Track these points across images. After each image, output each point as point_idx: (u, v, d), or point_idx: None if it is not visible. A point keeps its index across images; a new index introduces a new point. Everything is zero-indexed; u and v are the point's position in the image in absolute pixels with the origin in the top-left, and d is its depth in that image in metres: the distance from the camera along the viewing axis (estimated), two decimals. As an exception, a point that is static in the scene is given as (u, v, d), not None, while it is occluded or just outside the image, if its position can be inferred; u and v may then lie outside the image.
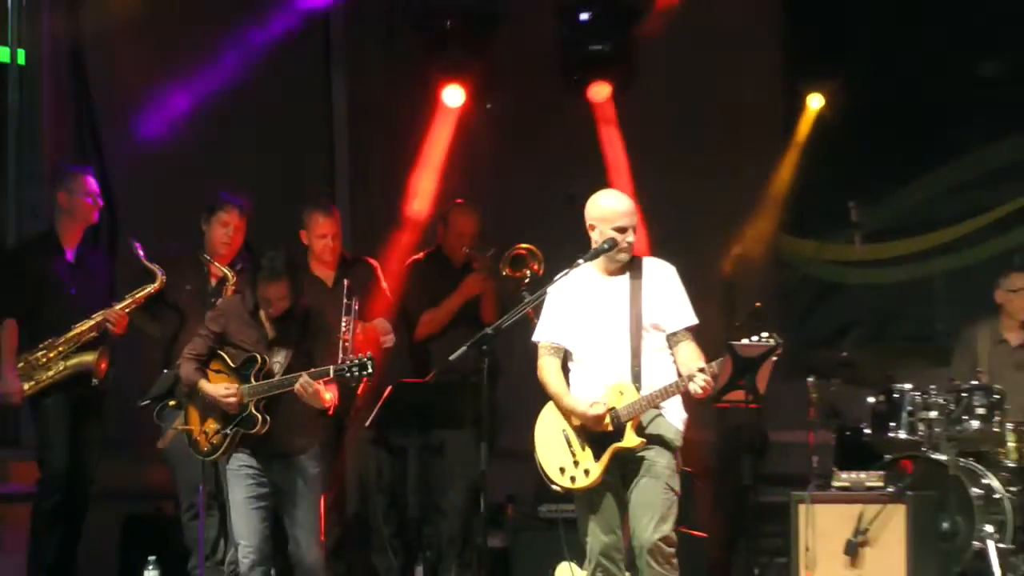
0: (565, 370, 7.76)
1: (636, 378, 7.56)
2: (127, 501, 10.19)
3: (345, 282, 9.49)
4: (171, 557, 9.36)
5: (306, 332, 8.41)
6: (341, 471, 9.94)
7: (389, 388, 9.58)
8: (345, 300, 9.34)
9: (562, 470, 7.65)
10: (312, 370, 8.23)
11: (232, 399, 8.26)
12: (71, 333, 9.31)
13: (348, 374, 8.26)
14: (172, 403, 8.95)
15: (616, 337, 7.62)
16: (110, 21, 10.09)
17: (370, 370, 8.23)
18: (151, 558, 9.07)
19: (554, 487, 7.72)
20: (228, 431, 8.32)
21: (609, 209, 7.69)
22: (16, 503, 9.71)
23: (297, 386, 8.18)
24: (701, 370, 7.41)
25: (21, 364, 9.29)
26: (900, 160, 11.35)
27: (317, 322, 8.55)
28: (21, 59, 10.15)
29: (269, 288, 8.27)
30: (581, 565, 7.94)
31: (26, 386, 9.30)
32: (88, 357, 9.33)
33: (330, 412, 8.74)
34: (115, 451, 9.73)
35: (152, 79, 10.30)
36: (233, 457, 8.34)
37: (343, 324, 9.27)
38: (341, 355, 8.95)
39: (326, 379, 8.27)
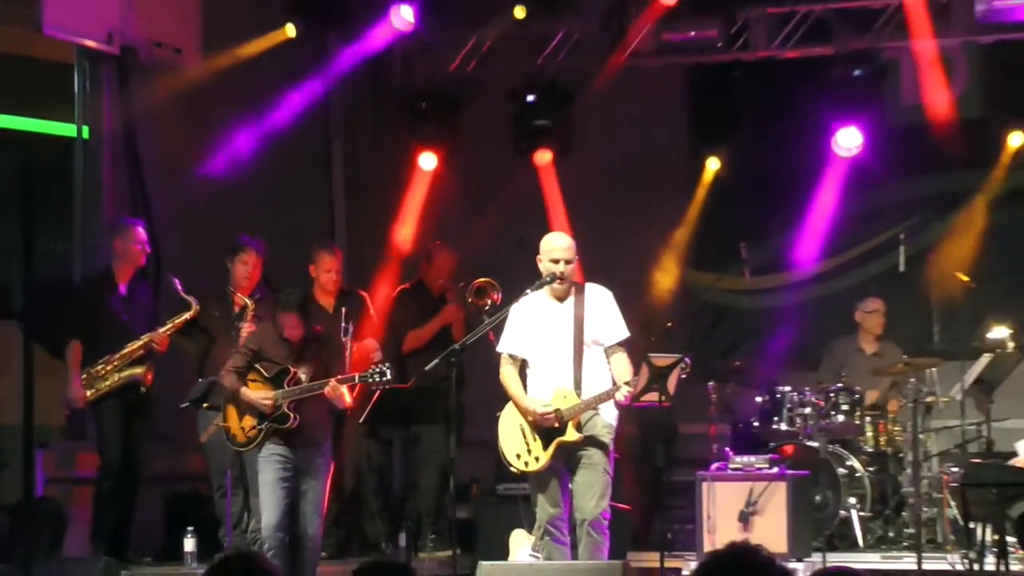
0: (523, 375, 7.80)
1: (577, 385, 7.63)
2: (170, 483, 10.16)
3: (343, 310, 9.52)
4: (205, 527, 9.36)
5: (323, 350, 8.45)
6: (340, 457, 9.89)
7: (378, 392, 9.59)
8: (343, 324, 9.36)
9: (518, 456, 7.74)
10: (340, 376, 8.24)
11: (267, 402, 8.27)
12: (124, 351, 9.31)
13: (371, 380, 8.31)
14: (205, 405, 8.95)
15: (562, 351, 7.69)
16: (156, 103, 10.06)
17: (388, 377, 8.25)
18: (189, 528, 9.13)
19: (512, 470, 7.81)
20: (263, 427, 8.33)
21: (550, 244, 7.81)
22: (82, 485, 9.69)
23: (327, 388, 8.19)
24: (627, 383, 7.51)
25: (84, 376, 9.31)
26: (779, 209, 11.40)
27: (331, 342, 8.61)
28: (85, 134, 10.05)
29: (282, 317, 8.31)
30: (531, 532, 8.01)
31: (88, 393, 9.30)
32: (137, 370, 9.33)
33: (348, 412, 8.74)
34: (160, 444, 9.71)
35: (190, 149, 10.28)
36: (266, 446, 8.34)
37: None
38: (340, 367, 8.98)
39: (350, 384, 8.29)
